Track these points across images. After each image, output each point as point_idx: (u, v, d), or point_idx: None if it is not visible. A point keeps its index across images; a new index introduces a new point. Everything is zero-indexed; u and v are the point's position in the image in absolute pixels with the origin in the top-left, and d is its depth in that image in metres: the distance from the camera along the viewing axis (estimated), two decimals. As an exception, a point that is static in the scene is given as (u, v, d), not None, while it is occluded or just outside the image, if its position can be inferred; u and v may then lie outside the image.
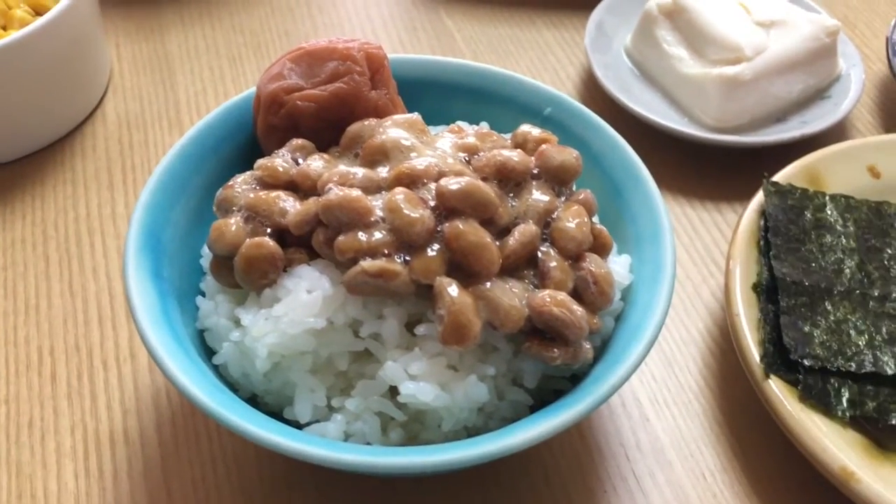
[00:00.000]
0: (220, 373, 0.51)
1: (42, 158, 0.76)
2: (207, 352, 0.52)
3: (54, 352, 0.62)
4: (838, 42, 0.77)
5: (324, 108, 0.54)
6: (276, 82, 0.55)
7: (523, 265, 0.48)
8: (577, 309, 0.46)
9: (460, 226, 0.46)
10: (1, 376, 0.61)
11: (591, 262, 0.48)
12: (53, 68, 0.73)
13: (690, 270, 0.68)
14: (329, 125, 0.54)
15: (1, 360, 0.62)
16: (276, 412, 0.50)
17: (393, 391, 0.47)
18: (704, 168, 0.75)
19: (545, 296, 0.46)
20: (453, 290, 0.45)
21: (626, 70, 0.81)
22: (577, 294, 0.48)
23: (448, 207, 0.46)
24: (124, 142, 0.77)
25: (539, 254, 0.48)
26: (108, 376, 0.61)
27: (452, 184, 0.47)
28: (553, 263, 0.48)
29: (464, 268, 0.46)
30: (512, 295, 0.46)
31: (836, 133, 0.77)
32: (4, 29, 0.74)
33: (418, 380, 0.46)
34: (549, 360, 0.46)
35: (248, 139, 0.59)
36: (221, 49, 0.87)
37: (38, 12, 0.76)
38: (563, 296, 0.46)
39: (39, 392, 0.60)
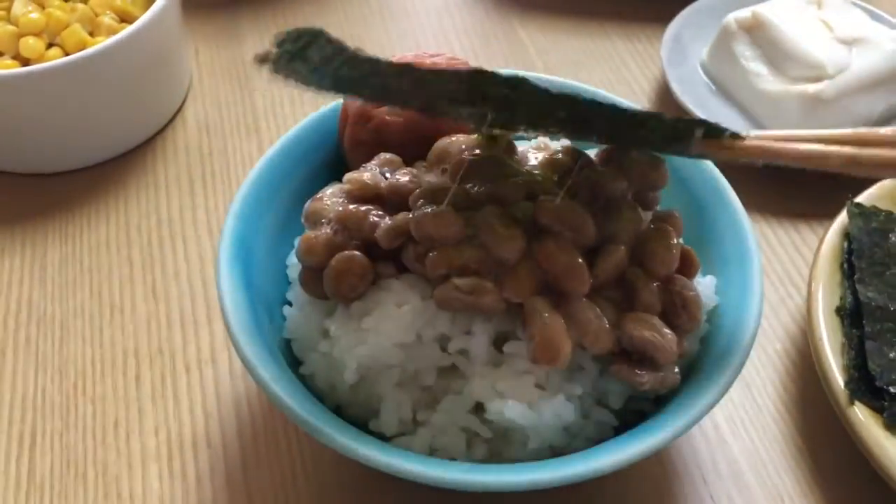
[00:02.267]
0: (306, 383, 0.52)
1: (125, 162, 0.78)
2: (294, 362, 0.53)
3: (138, 354, 0.64)
4: (922, 60, 0.76)
5: (411, 123, 0.54)
6: (365, 97, 0.55)
7: (611, 285, 0.48)
8: (668, 333, 0.46)
9: (552, 246, 0.46)
10: (88, 376, 0.62)
11: (680, 285, 0.48)
12: (140, 75, 0.75)
13: (768, 290, 0.68)
14: (416, 140, 0.55)
15: (88, 360, 0.63)
16: (360, 424, 0.51)
17: (478, 407, 0.48)
18: (782, 186, 0.74)
19: (636, 318, 0.46)
20: (545, 310, 0.45)
21: (702, 85, 0.80)
22: (665, 316, 0.48)
23: (542, 227, 0.47)
24: (203, 147, 0.79)
25: (627, 274, 0.48)
26: (190, 380, 0.62)
27: (548, 204, 0.47)
28: (642, 285, 0.48)
29: (554, 287, 0.46)
30: (601, 316, 0.46)
31: (918, 153, 0.75)
32: (92, 35, 0.76)
33: (506, 397, 0.46)
34: (637, 385, 0.46)
35: (334, 151, 0.60)
36: (297, 57, 0.88)
37: (124, 19, 0.78)
38: (654, 319, 0.46)
39: (125, 393, 0.62)
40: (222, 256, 0.52)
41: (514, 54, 0.88)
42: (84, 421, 0.60)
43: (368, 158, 0.56)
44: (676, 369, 0.48)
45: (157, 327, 0.65)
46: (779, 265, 0.69)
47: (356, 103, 0.56)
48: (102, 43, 0.71)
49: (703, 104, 0.77)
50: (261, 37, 0.90)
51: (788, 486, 0.57)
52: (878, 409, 0.54)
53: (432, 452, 0.48)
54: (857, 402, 0.54)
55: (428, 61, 0.55)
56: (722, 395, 0.46)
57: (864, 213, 0.63)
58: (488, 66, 0.84)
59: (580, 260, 0.46)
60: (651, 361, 0.46)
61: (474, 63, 0.82)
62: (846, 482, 0.57)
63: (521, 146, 0.57)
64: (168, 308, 0.67)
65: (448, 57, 0.57)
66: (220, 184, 0.76)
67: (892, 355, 0.56)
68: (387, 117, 0.54)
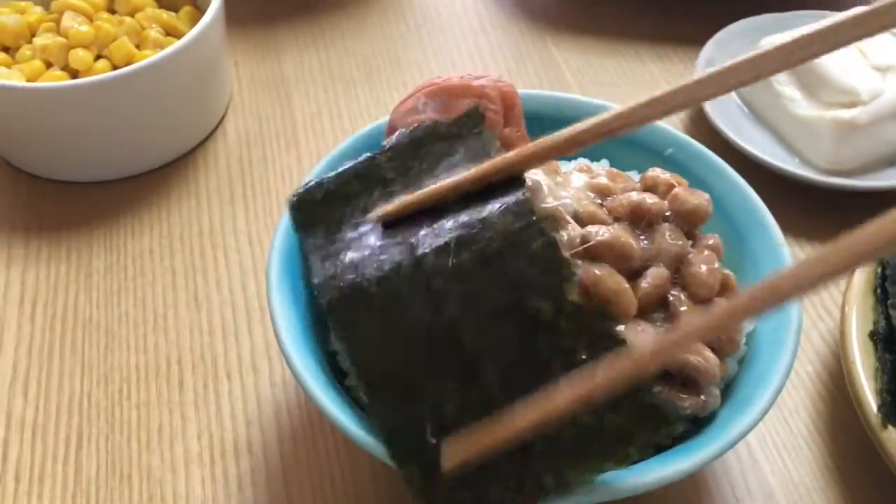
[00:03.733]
0: (350, 395, 0.53)
1: (168, 172, 0.79)
2: (338, 373, 0.54)
3: (181, 360, 0.65)
4: (956, 88, 0.76)
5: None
6: (412, 116, 0.57)
7: (653, 307, 0.49)
8: (711, 356, 0.47)
9: (597, 272, 0.47)
10: (133, 382, 0.64)
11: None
12: (185, 88, 0.77)
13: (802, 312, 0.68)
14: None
15: (132, 366, 0.65)
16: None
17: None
18: (814, 210, 0.75)
19: None
20: None
21: (735, 108, 0.81)
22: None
23: (591, 255, 0.48)
24: (244, 159, 0.81)
25: (669, 297, 0.50)
26: (231, 387, 0.64)
27: (597, 233, 0.48)
28: (683, 308, 0.49)
29: None
30: (645, 339, 0.47)
31: (951, 180, 0.76)
32: (138, 48, 0.78)
33: None
34: (679, 409, 0.47)
35: (378, 168, 0.61)
36: (335, 72, 0.90)
37: (170, 33, 0.80)
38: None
39: (168, 399, 0.63)
40: (272, 267, 0.53)
41: (548, 74, 0.90)
42: (129, 425, 0.62)
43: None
44: (717, 392, 0.49)
45: (199, 335, 0.67)
46: (810, 288, 0.70)
47: (405, 121, 0.57)
48: (151, 57, 0.73)
49: (737, 128, 0.78)
50: (299, 51, 0.92)
51: (820, 508, 0.58)
52: (911, 434, 0.55)
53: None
54: (890, 426, 0.55)
55: (475, 83, 0.56)
56: (760, 419, 0.47)
57: (897, 240, 0.64)
58: (523, 85, 0.86)
59: (626, 285, 0.47)
60: (693, 383, 0.47)
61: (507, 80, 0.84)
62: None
63: (563, 167, 0.58)
64: (210, 316, 0.68)
65: (493, 78, 0.58)
66: (259, 195, 0.77)
67: (925, 381, 0.57)
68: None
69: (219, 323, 0.68)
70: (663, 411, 0.43)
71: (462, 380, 0.44)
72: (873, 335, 0.60)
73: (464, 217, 0.48)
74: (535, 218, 0.46)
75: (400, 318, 0.46)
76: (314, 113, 0.85)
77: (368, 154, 0.54)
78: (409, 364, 0.45)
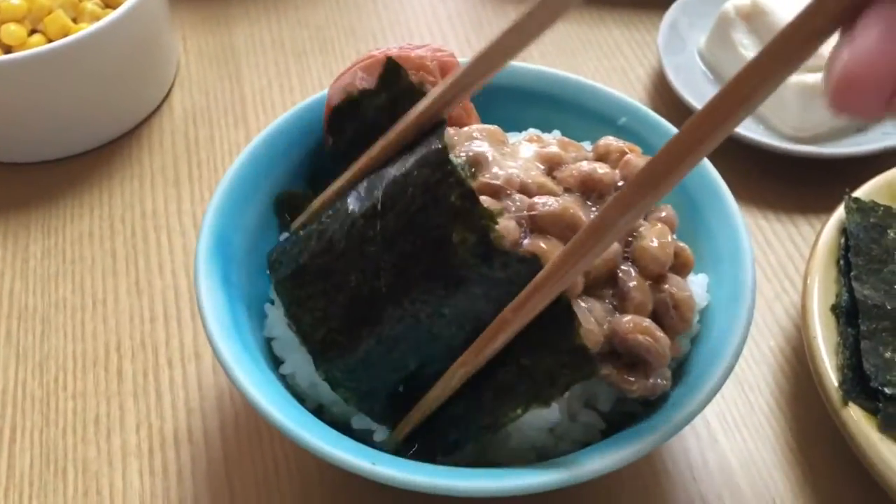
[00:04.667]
0: (286, 382, 0.50)
1: (110, 152, 0.76)
2: (274, 360, 0.52)
3: (121, 348, 0.63)
4: (925, 49, 0.74)
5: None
6: (349, 90, 0.54)
7: (602, 284, 0.47)
8: (662, 336, 0.45)
9: (543, 245, 0.45)
10: (69, 371, 0.61)
11: (673, 285, 0.47)
12: (125, 62, 0.74)
13: (763, 285, 0.66)
14: (401, 132, 0.53)
15: (70, 354, 0.62)
16: (342, 422, 0.50)
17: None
18: (779, 178, 0.73)
19: (629, 321, 0.45)
20: None
21: (699, 73, 0.79)
22: (655, 316, 0.46)
23: (537, 227, 0.45)
24: (190, 137, 0.78)
25: (619, 272, 0.47)
26: (172, 375, 0.61)
27: (544, 204, 0.46)
28: (633, 283, 0.46)
29: None
30: (590, 317, 0.45)
31: (919, 145, 0.73)
32: (75, 21, 0.75)
33: None
34: (627, 392, 0.45)
35: (318, 144, 0.59)
36: (287, 44, 0.86)
37: (108, 5, 0.77)
38: (647, 322, 0.45)
39: (106, 388, 0.61)
40: (200, 253, 0.51)
41: (508, 42, 0.87)
42: (64, 417, 0.59)
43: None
44: (668, 374, 0.47)
45: (140, 321, 0.64)
46: (774, 259, 0.68)
47: (340, 95, 0.54)
48: (86, 29, 0.70)
49: (699, 93, 0.76)
50: (250, 23, 0.89)
51: (780, 486, 0.56)
52: (872, 411, 0.53)
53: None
54: (850, 403, 0.53)
55: (413, 54, 0.54)
56: (710, 399, 0.45)
57: (862, 209, 0.62)
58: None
59: None
60: (644, 364, 0.45)
61: (467, 53, 0.81)
62: (838, 483, 0.56)
63: (512, 137, 0.55)
64: (152, 302, 0.66)
65: (433, 48, 0.55)
66: (206, 174, 0.74)
67: (887, 355, 0.55)
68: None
69: (161, 309, 0.65)
70: (587, 355, 0.43)
71: (410, 341, 0.46)
72: (835, 308, 0.58)
73: (392, 172, 0.48)
74: (450, 168, 0.45)
75: (341, 288, 0.47)
76: (264, 87, 0.82)
77: None
78: (355, 328, 0.46)
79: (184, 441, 0.58)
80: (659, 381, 0.46)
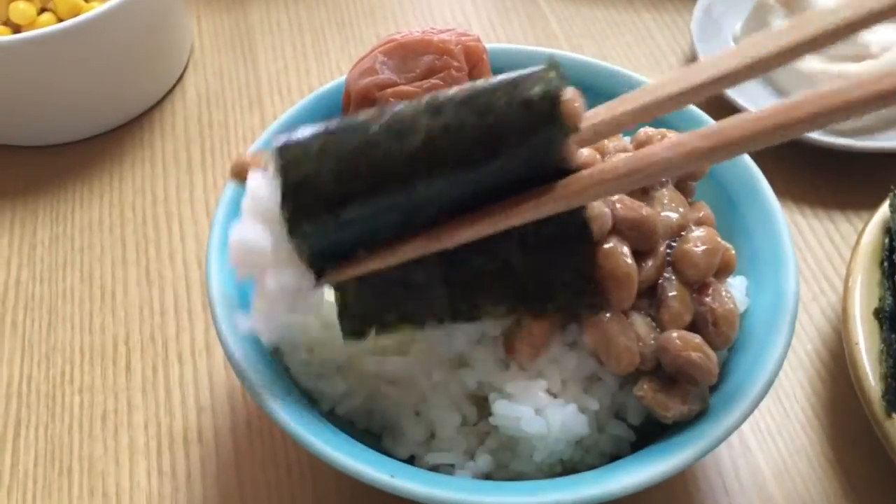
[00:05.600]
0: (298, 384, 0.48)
1: (121, 135, 0.74)
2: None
3: (129, 341, 0.61)
4: (975, 38, 0.70)
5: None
6: (368, 77, 0.51)
7: (642, 293, 0.44)
8: (711, 354, 0.42)
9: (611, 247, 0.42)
10: (76, 365, 0.59)
11: (714, 297, 0.44)
12: (137, 43, 0.71)
13: (800, 286, 0.63)
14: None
15: (77, 347, 0.60)
16: (353, 421, 0.48)
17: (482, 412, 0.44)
18: (818, 173, 0.69)
19: (678, 337, 0.42)
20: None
21: (733, 61, 0.75)
22: (694, 328, 0.44)
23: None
24: (203, 121, 0.75)
25: (661, 279, 0.44)
26: (182, 370, 0.59)
27: (620, 203, 0.43)
28: (673, 293, 0.43)
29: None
30: (631, 334, 0.42)
31: (965, 139, 0.70)
32: (87, 0, 0.72)
33: (513, 400, 0.43)
34: (660, 417, 0.43)
35: (335, 131, 0.56)
36: (304, 24, 0.84)
37: (121, -17, 0.74)
38: (698, 339, 0.42)
39: (114, 383, 0.59)
40: (212, 246, 0.48)
41: (534, 26, 0.83)
42: (70, 412, 0.57)
43: (372, 141, 0.52)
44: (707, 395, 0.44)
45: (149, 314, 0.62)
46: (812, 258, 0.65)
47: (360, 84, 0.51)
48: (98, 8, 0.67)
49: (734, 82, 0.72)
50: (266, 2, 0.86)
51: (816, 500, 0.53)
52: (918, 423, 0.50)
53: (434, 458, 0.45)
54: (894, 415, 0.50)
55: (436, 38, 0.51)
56: (748, 415, 0.42)
57: (907, 206, 0.58)
58: (506, 38, 0.80)
59: (635, 269, 0.42)
60: (692, 382, 0.42)
61: (491, 38, 0.78)
62: (879, 498, 0.53)
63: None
64: (162, 293, 0.63)
65: (458, 32, 0.52)
66: (219, 160, 0.72)
67: (934, 364, 0.52)
68: (392, 100, 0.50)
69: (171, 301, 0.63)
70: (593, 288, 0.41)
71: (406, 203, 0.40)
72: (878, 313, 0.54)
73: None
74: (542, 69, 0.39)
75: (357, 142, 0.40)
76: (280, 70, 0.79)
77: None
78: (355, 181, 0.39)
79: (193, 441, 0.56)
80: (692, 407, 0.43)
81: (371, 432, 0.49)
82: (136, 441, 0.56)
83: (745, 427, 0.56)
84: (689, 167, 0.44)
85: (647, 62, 0.80)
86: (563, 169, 0.39)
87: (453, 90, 0.39)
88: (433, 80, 0.50)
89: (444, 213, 0.40)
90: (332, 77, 0.78)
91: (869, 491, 0.53)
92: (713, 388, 0.45)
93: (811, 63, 0.69)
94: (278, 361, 0.48)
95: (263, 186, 0.41)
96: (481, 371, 0.44)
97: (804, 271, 0.64)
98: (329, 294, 0.48)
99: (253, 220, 0.41)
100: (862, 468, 0.54)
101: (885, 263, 0.57)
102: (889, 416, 0.50)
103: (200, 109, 0.76)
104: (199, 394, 0.58)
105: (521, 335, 0.42)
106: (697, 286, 0.44)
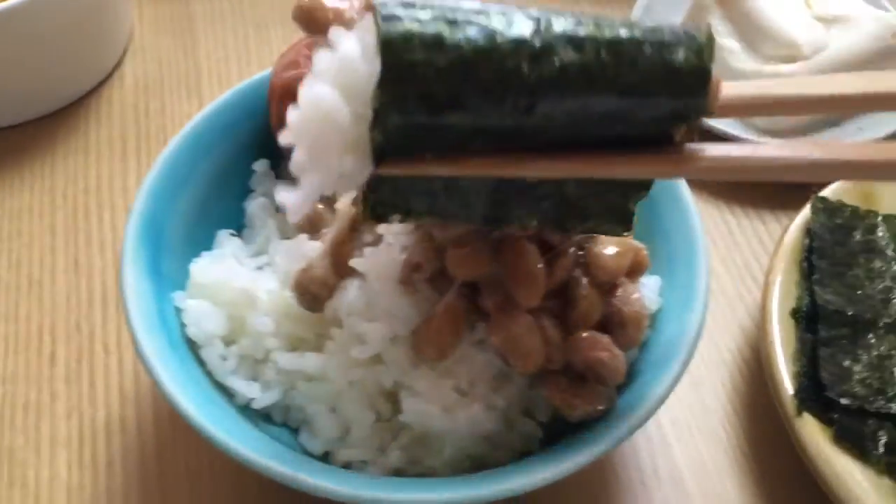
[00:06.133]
0: (213, 377, 0.48)
1: (55, 122, 0.73)
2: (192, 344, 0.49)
3: (55, 331, 0.60)
4: (905, 42, 0.71)
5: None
6: (292, 70, 0.51)
7: (553, 293, 0.44)
8: (619, 353, 0.43)
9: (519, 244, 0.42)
10: (-1, 355, 0.59)
11: (623, 298, 0.45)
12: (71, 28, 0.70)
13: (726, 284, 0.64)
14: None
15: (0, 336, 0.60)
16: (268, 414, 0.48)
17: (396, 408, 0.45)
18: (749, 172, 0.70)
19: (588, 337, 0.43)
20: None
21: (672, 59, 0.76)
22: (602, 328, 0.44)
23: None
24: (140, 109, 0.74)
25: (571, 279, 0.45)
26: (108, 361, 0.59)
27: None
28: (583, 291, 0.44)
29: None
30: (537, 334, 0.42)
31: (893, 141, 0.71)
32: (21, -17, 0.71)
33: (422, 398, 0.43)
34: (567, 415, 0.43)
35: (261, 124, 0.56)
36: (248, 15, 0.83)
37: (57, -34, 0.73)
38: (606, 339, 0.43)
39: (38, 373, 0.58)
40: (128, 240, 0.48)
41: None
42: (-9, 402, 0.57)
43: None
44: (614, 395, 0.45)
45: (76, 303, 0.62)
46: (739, 257, 0.66)
47: (283, 78, 0.51)
48: (30, -8, 0.66)
49: (671, 80, 0.73)
50: (209, -10, 0.85)
51: (730, 494, 0.54)
52: (827, 422, 0.51)
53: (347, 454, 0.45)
54: (805, 413, 0.51)
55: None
56: (653, 413, 0.43)
57: (828, 209, 0.59)
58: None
59: (540, 268, 0.43)
60: (601, 381, 0.43)
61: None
62: (791, 494, 0.54)
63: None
64: (90, 282, 0.63)
65: None
66: (154, 148, 0.71)
67: (845, 364, 0.53)
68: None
69: (99, 290, 0.62)
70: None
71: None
72: (796, 313, 0.56)
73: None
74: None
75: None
76: (221, 58, 0.79)
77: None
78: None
79: (115, 431, 0.56)
80: (598, 406, 0.44)
81: (289, 427, 0.49)
82: (57, 432, 0.56)
83: (664, 422, 0.57)
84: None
85: (588, 58, 0.80)
86: (668, 135, 0.38)
87: (597, 26, 0.36)
88: (355, 75, 0.50)
89: (540, 144, 0.37)
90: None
91: (782, 485, 0.54)
92: (623, 386, 0.46)
93: (746, 63, 0.70)
94: (193, 355, 0.48)
95: (358, 57, 0.35)
96: (394, 370, 0.44)
97: (732, 270, 0.65)
98: (244, 285, 0.48)
99: (333, 87, 0.35)
100: (775, 463, 0.55)
101: (805, 264, 0.58)
102: (800, 414, 0.51)
103: (137, 97, 0.75)
104: (124, 384, 0.58)
105: (428, 335, 0.42)
106: (607, 287, 0.45)
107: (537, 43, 0.35)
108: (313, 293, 0.45)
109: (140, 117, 0.74)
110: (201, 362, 0.48)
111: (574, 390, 0.43)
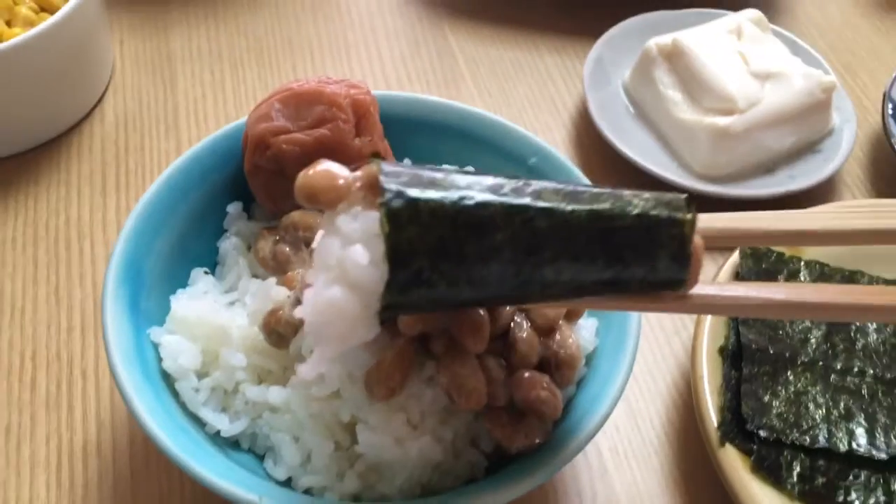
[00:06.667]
0: (187, 407, 0.52)
1: (38, 156, 0.77)
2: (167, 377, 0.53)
3: (36, 358, 0.64)
4: (833, 96, 0.77)
5: (308, 153, 0.54)
6: (264, 123, 0.55)
7: (497, 336, 0.49)
8: (557, 392, 0.48)
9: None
10: (-18, 380, 0.63)
11: (560, 344, 0.50)
12: (57, 67, 0.74)
13: (664, 320, 0.69)
14: (313, 168, 0.55)
15: (-17, 363, 0.63)
16: (237, 441, 0.53)
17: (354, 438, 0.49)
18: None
19: (530, 377, 0.48)
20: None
21: (622, 107, 0.81)
22: (543, 367, 0.49)
23: None
24: (120, 144, 0.78)
25: (512, 323, 0.49)
26: (86, 387, 0.63)
27: None
28: (523, 335, 0.49)
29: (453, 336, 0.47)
30: (480, 376, 0.47)
31: (824, 189, 0.77)
32: (9, 25, 0.75)
33: (376, 431, 0.48)
34: (507, 448, 0.48)
35: (236, 169, 0.60)
36: (224, 52, 0.87)
37: (44, 8, 0.77)
38: (545, 379, 0.48)
39: (18, 398, 0.62)
40: (109, 278, 0.52)
41: (442, 62, 0.88)
42: (-25, 425, 0.60)
43: (268, 184, 0.56)
44: (550, 428, 0.49)
45: (56, 331, 0.65)
46: (677, 295, 0.71)
47: (256, 130, 0.56)
48: (21, 35, 0.70)
49: (621, 127, 0.78)
50: (188, 28, 0.89)
51: (662, 518, 0.59)
52: (747, 452, 0.56)
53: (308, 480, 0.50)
54: (727, 444, 0.56)
55: (327, 90, 0.55)
56: (584, 446, 0.48)
57: (755, 254, 0.65)
58: (415, 72, 0.84)
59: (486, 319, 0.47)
60: (536, 414, 0.48)
61: (401, 72, 0.82)
62: (715, 517, 0.59)
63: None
64: (70, 312, 0.67)
65: (349, 84, 0.57)
66: (134, 183, 0.75)
67: (766, 398, 0.58)
68: (284, 146, 0.54)
69: (78, 319, 0.66)
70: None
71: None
72: (722, 350, 0.61)
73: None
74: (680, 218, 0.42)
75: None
76: (198, 96, 0.83)
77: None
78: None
79: (92, 454, 0.59)
80: (534, 440, 0.49)
81: (255, 453, 0.53)
82: (37, 454, 0.59)
83: (604, 450, 0.62)
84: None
85: (546, 105, 0.85)
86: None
87: (578, 195, 0.40)
88: (322, 130, 0.55)
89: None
90: (249, 105, 0.82)
91: (705, 510, 0.59)
92: (560, 420, 0.51)
93: (686, 113, 0.75)
94: (168, 387, 0.52)
95: (367, 264, 0.38)
96: (351, 404, 0.48)
97: (670, 307, 0.70)
98: (221, 322, 0.52)
99: (343, 288, 0.39)
100: (702, 490, 0.60)
101: (732, 305, 0.63)
102: (722, 444, 0.56)
103: (118, 133, 0.79)
104: (101, 410, 0.61)
105: (378, 377, 0.46)
106: (546, 330, 0.50)
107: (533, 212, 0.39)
108: (279, 333, 0.49)
109: (120, 153, 0.78)
110: (175, 393, 0.52)
111: (514, 425, 0.48)
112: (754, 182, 0.75)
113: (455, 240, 0.38)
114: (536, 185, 0.40)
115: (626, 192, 0.42)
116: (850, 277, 0.66)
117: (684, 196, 0.43)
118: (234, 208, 0.60)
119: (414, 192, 0.38)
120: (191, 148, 0.59)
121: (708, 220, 0.45)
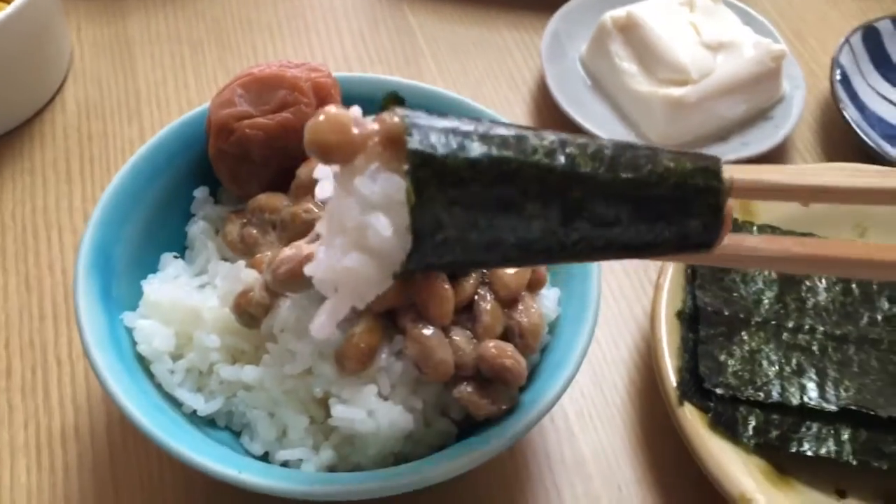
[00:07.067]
0: (163, 389, 0.54)
1: (1, 146, 0.77)
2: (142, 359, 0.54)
3: (9, 346, 0.65)
4: (784, 64, 0.80)
5: (272, 137, 0.56)
6: (227, 108, 0.56)
7: (463, 308, 0.51)
8: (521, 360, 0.50)
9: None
10: (-43, 370, 0.63)
11: (523, 312, 0.52)
12: (15, 57, 0.74)
13: (626, 287, 0.72)
14: (278, 152, 0.56)
15: (-43, 353, 0.64)
16: (213, 419, 0.54)
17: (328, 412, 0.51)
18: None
19: (494, 346, 0.50)
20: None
21: (579, 80, 0.83)
22: (504, 338, 0.51)
23: None
24: (83, 131, 0.79)
25: (476, 296, 0.51)
26: (61, 373, 0.64)
27: None
28: (487, 307, 0.51)
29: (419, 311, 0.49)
30: (448, 347, 0.49)
31: (776, 155, 0.80)
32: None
33: (349, 404, 0.50)
34: (475, 413, 0.50)
35: (201, 154, 0.61)
36: (183, 35, 0.87)
37: (-1, -3, 0.77)
38: (510, 348, 0.50)
39: (-6, 386, 0.63)
40: (79, 269, 0.53)
41: (401, 39, 0.89)
42: (-48, 415, 0.61)
43: (233, 169, 0.58)
44: (516, 395, 0.51)
45: (28, 319, 0.66)
46: (640, 263, 0.73)
47: (219, 115, 0.56)
48: (-27, 24, 0.70)
49: (578, 100, 0.80)
50: (146, 13, 0.89)
51: (625, 474, 0.62)
52: (704, 409, 0.59)
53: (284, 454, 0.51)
54: (686, 403, 0.59)
55: (288, 73, 0.56)
56: (548, 410, 0.50)
57: (710, 220, 0.67)
58: (375, 50, 0.85)
59: (450, 291, 0.49)
60: (501, 382, 0.50)
61: (361, 51, 0.83)
62: (677, 472, 0.62)
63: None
64: (41, 299, 0.67)
65: (310, 67, 0.58)
66: (98, 170, 0.76)
67: (721, 358, 0.61)
68: (248, 131, 0.55)
69: (50, 307, 0.67)
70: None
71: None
72: (680, 314, 0.63)
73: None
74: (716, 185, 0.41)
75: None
76: (159, 80, 0.83)
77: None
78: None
79: (71, 438, 0.61)
80: (501, 406, 0.51)
81: (231, 430, 0.55)
82: (16, 439, 0.60)
83: (570, 413, 0.65)
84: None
85: (504, 80, 0.87)
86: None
87: (615, 159, 0.39)
88: (284, 114, 0.56)
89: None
90: (210, 87, 0.83)
91: (669, 465, 0.62)
92: (525, 387, 0.53)
93: (642, 84, 0.77)
94: (143, 369, 0.53)
95: (390, 236, 0.38)
96: (323, 380, 0.50)
97: (631, 275, 0.73)
98: (193, 304, 0.54)
99: (362, 254, 0.38)
100: (664, 447, 0.63)
101: (688, 270, 0.66)
102: (681, 404, 0.59)
103: (80, 120, 0.79)
104: (77, 394, 0.63)
105: (348, 352, 0.48)
106: (509, 301, 0.52)
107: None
108: (251, 314, 0.51)
109: (83, 139, 0.78)
110: (151, 376, 0.53)
111: (480, 392, 0.50)
112: (709, 150, 0.76)
113: (486, 210, 0.37)
114: (572, 146, 0.39)
115: (664, 154, 0.41)
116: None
117: (721, 162, 0.42)
118: (200, 193, 0.61)
119: (442, 158, 0.36)
120: (155, 135, 0.60)
121: (733, 171, 0.44)
